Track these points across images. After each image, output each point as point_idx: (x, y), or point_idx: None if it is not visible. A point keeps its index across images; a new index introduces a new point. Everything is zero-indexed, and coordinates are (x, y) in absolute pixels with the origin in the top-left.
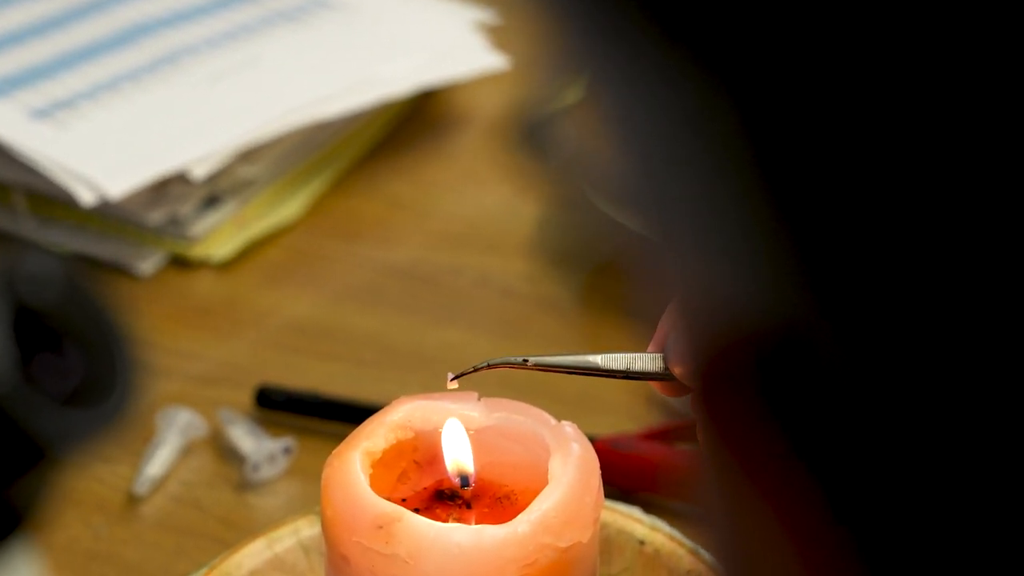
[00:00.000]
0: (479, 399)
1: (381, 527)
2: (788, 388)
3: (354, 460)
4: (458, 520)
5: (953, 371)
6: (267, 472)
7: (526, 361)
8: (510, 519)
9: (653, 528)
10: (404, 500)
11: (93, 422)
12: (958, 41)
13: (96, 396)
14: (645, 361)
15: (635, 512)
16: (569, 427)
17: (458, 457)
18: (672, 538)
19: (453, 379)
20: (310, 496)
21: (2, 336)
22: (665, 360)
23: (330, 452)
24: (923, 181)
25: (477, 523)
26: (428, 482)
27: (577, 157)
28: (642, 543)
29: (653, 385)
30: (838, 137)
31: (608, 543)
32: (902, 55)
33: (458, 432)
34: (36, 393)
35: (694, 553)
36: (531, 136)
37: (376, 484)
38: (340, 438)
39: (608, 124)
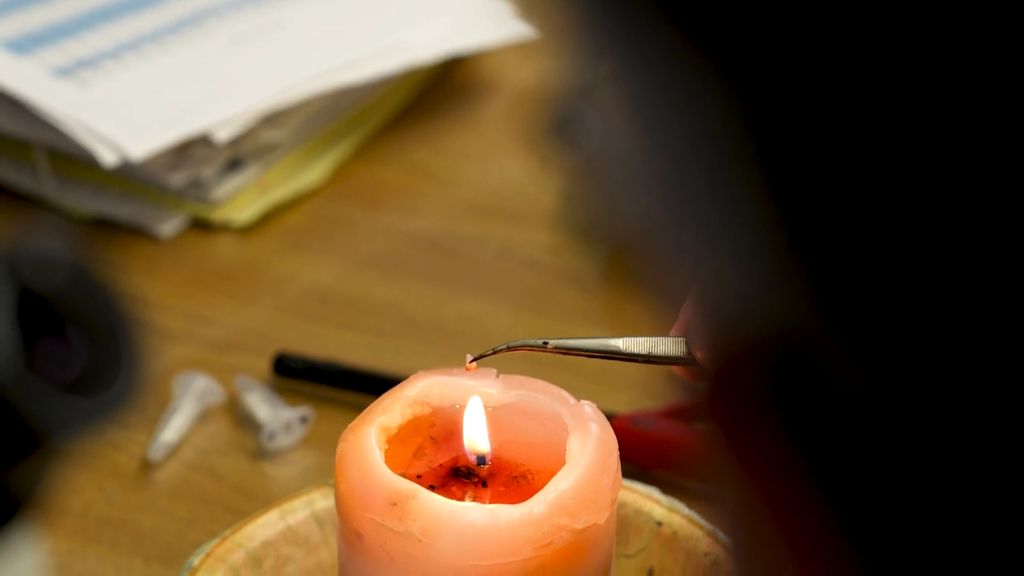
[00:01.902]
0: (498, 376)
1: (395, 504)
2: (794, 394)
3: (369, 435)
4: (473, 498)
5: (960, 380)
6: (283, 441)
7: (546, 344)
8: (526, 499)
9: (671, 509)
10: (419, 476)
11: (94, 411)
12: (964, 47)
13: (99, 384)
14: (667, 345)
15: (653, 493)
16: (588, 406)
17: (475, 436)
18: (690, 520)
19: (472, 361)
20: (326, 466)
21: (5, 322)
22: (688, 344)
23: (347, 422)
24: (931, 187)
25: (492, 502)
26: (444, 459)
27: (605, 148)
28: (660, 524)
29: (675, 369)
30: (846, 142)
31: (625, 523)
32: (911, 56)
33: (478, 411)
34: (37, 380)
35: (712, 535)
36: (559, 126)
37: (391, 460)
38: (358, 408)
39: (624, 122)
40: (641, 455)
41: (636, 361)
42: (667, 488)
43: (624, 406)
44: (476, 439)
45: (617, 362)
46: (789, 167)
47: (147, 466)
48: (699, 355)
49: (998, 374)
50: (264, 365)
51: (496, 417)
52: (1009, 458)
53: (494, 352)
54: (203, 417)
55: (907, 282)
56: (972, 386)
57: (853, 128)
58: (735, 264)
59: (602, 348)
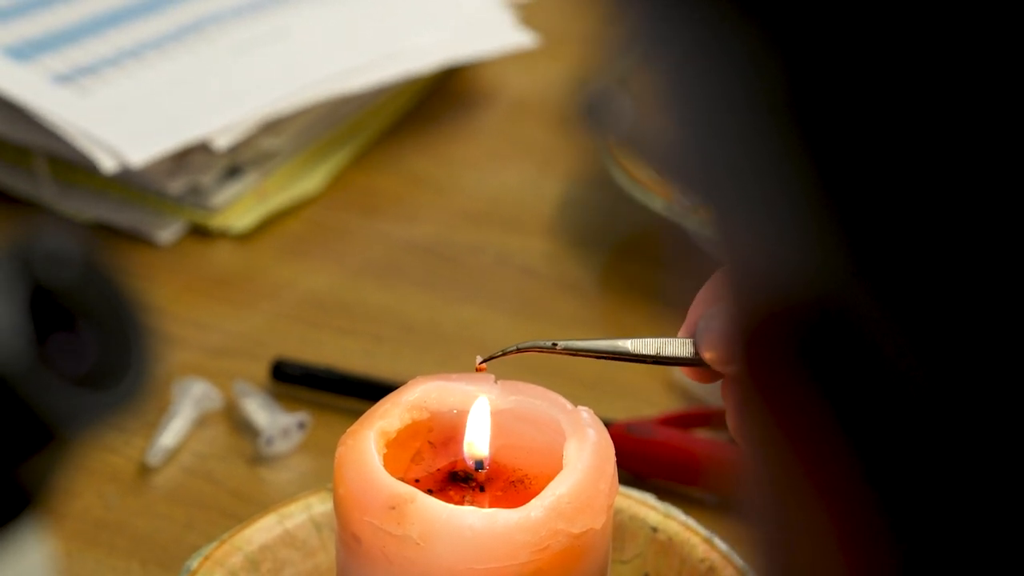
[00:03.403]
0: (496, 381)
1: (394, 508)
2: (833, 358)
3: (368, 439)
4: (471, 503)
5: (1001, 344)
6: (281, 446)
7: (555, 345)
8: (523, 503)
9: (667, 515)
10: (417, 481)
11: (105, 404)
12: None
13: (109, 378)
14: (675, 346)
15: (649, 499)
16: (585, 412)
17: (475, 439)
18: (686, 526)
19: (482, 363)
20: (323, 471)
21: (17, 316)
22: (695, 345)
23: (345, 428)
24: (971, 150)
25: (490, 506)
26: (442, 463)
27: (635, 132)
28: (655, 530)
29: (682, 371)
30: (886, 105)
31: (621, 529)
32: (952, 23)
33: (483, 413)
34: (49, 374)
35: (708, 542)
36: (590, 110)
37: (390, 464)
38: (355, 414)
39: (660, 89)
40: (638, 462)
41: (644, 362)
42: (663, 495)
43: (621, 413)
44: (477, 442)
45: (614, 369)
46: (827, 129)
47: (145, 470)
48: (707, 356)
49: None
50: (262, 371)
51: (494, 422)
52: None
53: (504, 354)
54: (201, 422)
55: (947, 245)
56: (1017, 351)
57: (899, 84)
58: (771, 225)
59: (610, 349)
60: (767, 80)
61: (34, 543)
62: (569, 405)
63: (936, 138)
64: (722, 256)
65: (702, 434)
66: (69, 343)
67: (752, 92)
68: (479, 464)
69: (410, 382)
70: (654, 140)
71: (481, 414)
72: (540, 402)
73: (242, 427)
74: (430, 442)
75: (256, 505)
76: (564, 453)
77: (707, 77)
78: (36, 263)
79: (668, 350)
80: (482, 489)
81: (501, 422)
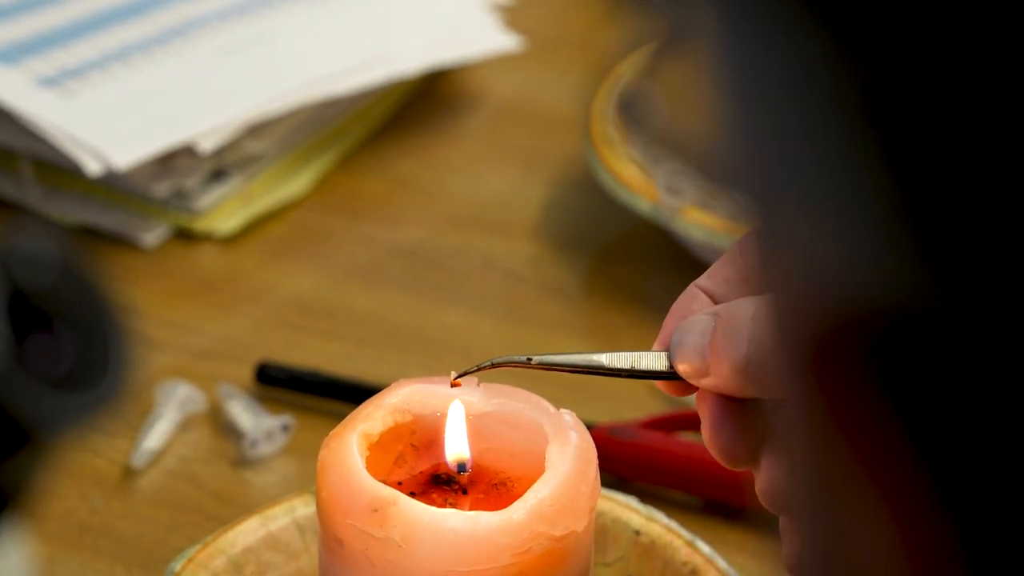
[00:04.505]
0: (478, 384)
1: (376, 510)
2: (911, 371)
3: (351, 442)
4: (453, 505)
5: None
6: (265, 449)
7: (530, 360)
8: (506, 506)
9: (649, 518)
10: (400, 483)
11: (83, 406)
12: None
13: (87, 380)
14: (650, 360)
15: (631, 501)
16: (568, 415)
17: (457, 442)
18: (669, 529)
19: (457, 378)
20: (307, 474)
21: None
22: (670, 359)
23: (329, 431)
24: None
25: (472, 509)
26: (425, 466)
27: (672, 128)
28: (638, 533)
29: (658, 384)
30: (966, 106)
31: (603, 532)
32: None
33: (460, 417)
34: (26, 375)
35: (690, 544)
36: (626, 107)
37: (372, 467)
38: (339, 417)
39: (721, 88)
40: (620, 465)
41: (619, 376)
42: (646, 498)
43: (603, 417)
44: (457, 445)
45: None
46: (904, 130)
47: (129, 473)
48: (681, 368)
49: None
50: (246, 374)
51: (477, 425)
52: None
53: (478, 369)
54: (185, 425)
55: None
56: None
57: (985, 90)
58: (842, 232)
59: (585, 364)
60: (843, 80)
61: (13, 545)
62: (551, 408)
63: (1018, 137)
64: (774, 263)
65: (685, 437)
66: (47, 345)
67: (825, 92)
68: (461, 467)
69: (393, 385)
70: (699, 138)
71: (457, 419)
72: (522, 405)
73: (226, 430)
74: (413, 445)
75: (240, 508)
76: (546, 456)
77: (777, 76)
78: (14, 265)
79: (643, 364)
80: (464, 492)
81: (483, 425)
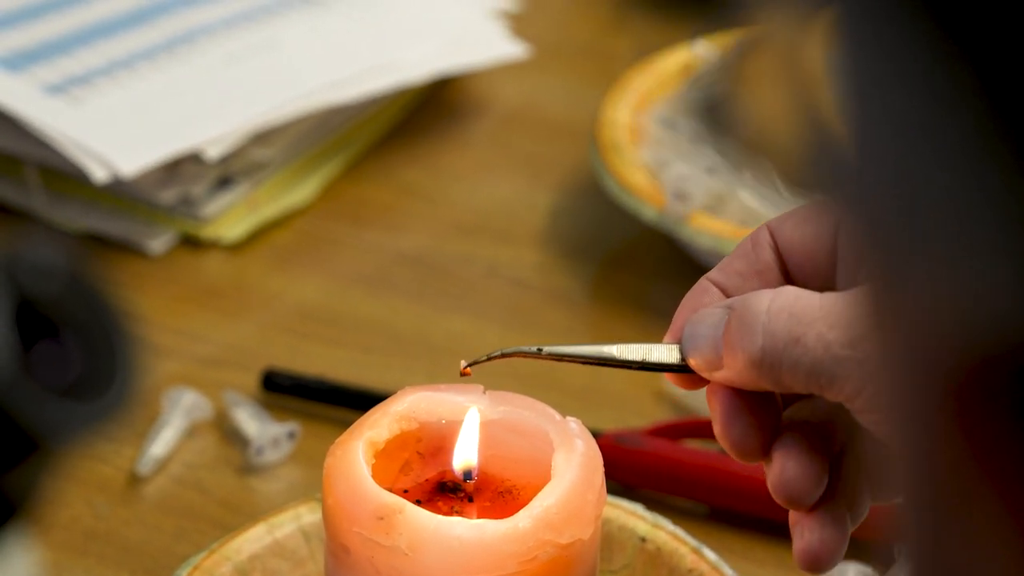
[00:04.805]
0: (484, 392)
1: (382, 518)
2: None
3: (357, 450)
4: (459, 513)
5: None
6: (271, 456)
7: (540, 350)
8: (512, 514)
9: (655, 525)
10: (406, 491)
11: (90, 415)
12: None
13: (95, 389)
14: (661, 352)
15: (638, 509)
16: (574, 423)
17: (467, 449)
18: (675, 536)
19: (467, 367)
20: (313, 481)
21: (2, 327)
22: (682, 351)
23: (334, 438)
24: None
25: (478, 517)
26: (431, 473)
27: (761, 137)
28: (644, 540)
29: (667, 377)
30: None
31: (609, 539)
32: None
33: (474, 423)
34: (34, 384)
35: (696, 552)
36: (710, 112)
37: (378, 474)
38: (345, 424)
39: (850, 112)
40: (626, 473)
41: (630, 368)
42: (652, 505)
43: (609, 424)
44: (467, 452)
45: (602, 380)
46: None
47: (135, 480)
48: (692, 362)
49: None
50: (252, 381)
51: (483, 433)
52: None
53: (488, 359)
54: (191, 432)
55: None
56: None
57: None
58: (982, 262)
59: (596, 355)
60: (983, 100)
61: (20, 553)
62: (557, 416)
63: None
64: (896, 293)
65: (691, 445)
66: (54, 354)
67: (965, 112)
68: (467, 475)
69: (399, 392)
70: (790, 146)
71: (471, 425)
72: (529, 413)
73: (232, 437)
74: (419, 452)
75: (245, 515)
76: (552, 464)
77: (911, 97)
78: (20, 274)
79: (654, 356)
80: (470, 499)
81: (490, 433)
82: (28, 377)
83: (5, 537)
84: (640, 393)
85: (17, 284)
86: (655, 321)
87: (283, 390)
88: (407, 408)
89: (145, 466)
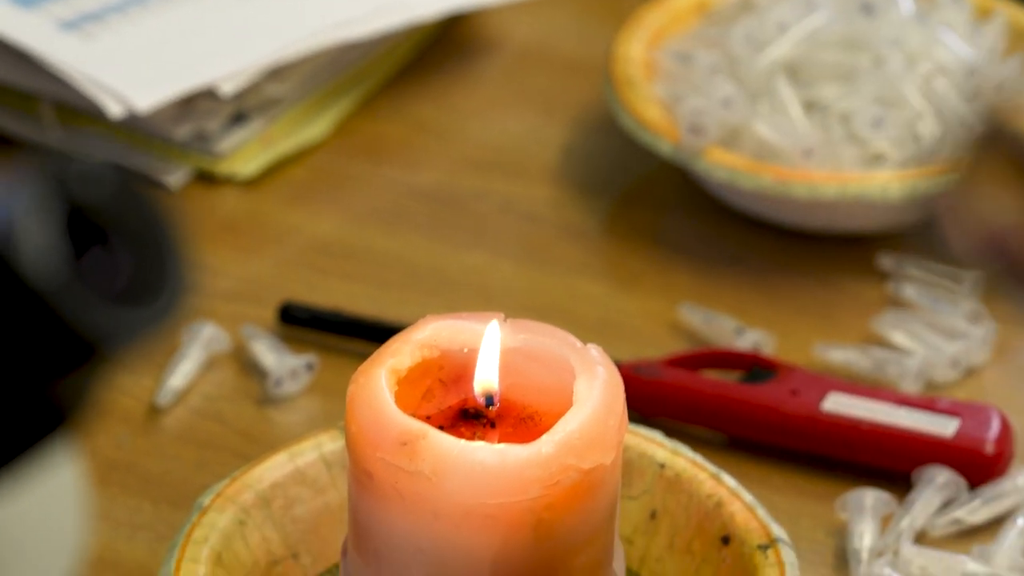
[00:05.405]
0: (505, 320)
1: (405, 444)
2: None
3: (380, 377)
4: (482, 439)
5: None
6: (289, 387)
7: None
8: (533, 440)
9: (674, 452)
10: (428, 418)
11: (142, 321)
12: None
13: (146, 296)
14: None
15: (657, 436)
16: (594, 350)
17: (487, 376)
18: (694, 463)
19: None
20: (331, 413)
21: (54, 234)
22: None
23: (352, 370)
24: None
25: (500, 443)
26: (452, 401)
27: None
28: (663, 467)
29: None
30: None
31: (628, 466)
32: None
33: (496, 344)
34: (86, 291)
35: (715, 478)
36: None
37: (401, 402)
38: (362, 357)
39: None
40: (645, 403)
41: None
42: (670, 435)
43: (626, 356)
44: (488, 374)
45: (618, 313)
46: None
47: (155, 411)
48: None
49: None
50: (269, 315)
51: (504, 360)
52: None
53: None
54: (210, 365)
55: None
56: None
57: None
58: None
59: None
60: None
61: (64, 462)
62: (578, 343)
63: None
64: None
65: (709, 375)
66: (104, 260)
67: None
68: (489, 400)
69: (420, 321)
70: None
71: (491, 345)
72: (549, 340)
73: (250, 369)
74: (440, 380)
75: (265, 445)
76: (574, 390)
77: None
78: (70, 181)
79: None
80: (492, 426)
81: (510, 360)
82: (80, 284)
83: (52, 446)
84: (655, 325)
85: (67, 191)
86: (669, 255)
87: (300, 323)
88: (428, 336)
89: (164, 398)
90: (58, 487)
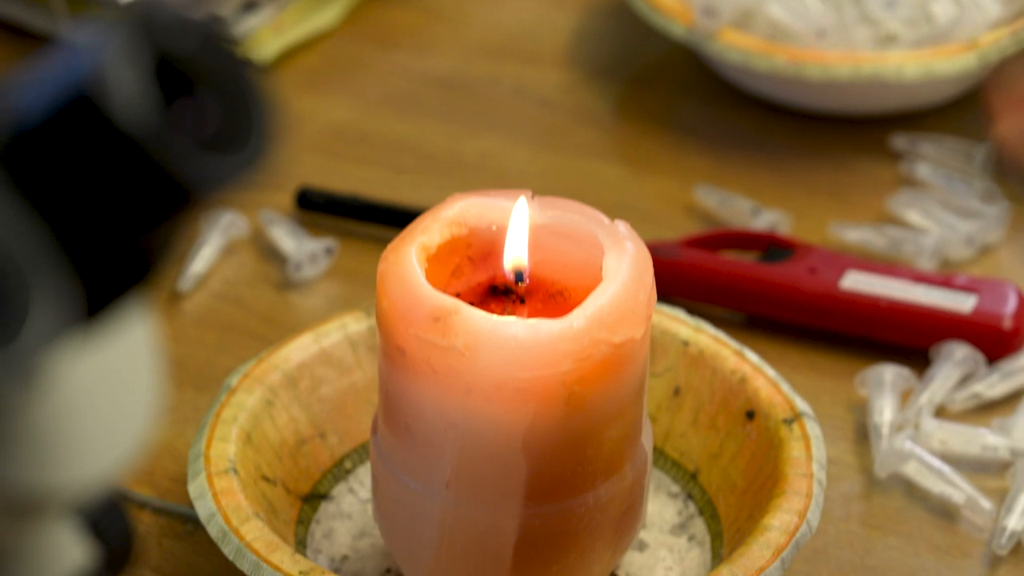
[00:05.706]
0: (533, 197)
1: (438, 319)
2: None
3: (410, 254)
4: (512, 315)
5: None
6: (308, 271)
7: None
8: (563, 315)
9: (697, 329)
10: (458, 295)
11: (233, 168)
12: None
13: (234, 143)
14: None
15: (679, 314)
16: (622, 226)
17: (516, 251)
18: (716, 339)
19: None
20: (350, 296)
21: (143, 82)
22: None
23: (370, 254)
24: None
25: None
26: (481, 278)
27: None
28: (686, 344)
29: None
30: None
31: (652, 343)
32: None
33: (524, 219)
34: (177, 138)
35: (738, 354)
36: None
37: (431, 278)
38: (379, 240)
39: None
40: (664, 283)
41: None
42: (691, 313)
43: (644, 237)
44: (518, 250)
45: (634, 196)
46: None
47: (176, 297)
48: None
49: None
50: (286, 201)
51: (532, 237)
52: None
53: None
54: (229, 250)
55: None
56: None
57: None
58: None
59: None
60: None
61: (140, 317)
62: (606, 220)
63: None
64: None
65: (727, 255)
66: (193, 108)
67: None
68: (519, 276)
69: (448, 199)
70: None
71: (520, 220)
72: (577, 216)
73: (269, 254)
74: (469, 257)
75: (286, 328)
76: (604, 265)
77: None
78: (160, 33)
79: None
80: (522, 302)
81: (539, 237)
82: (171, 131)
83: (136, 295)
84: (671, 207)
85: (155, 41)
86: (682, 139)
87: (318, 207)
88: (457, 213)
89: (186, 283)
90: (136, 341)
